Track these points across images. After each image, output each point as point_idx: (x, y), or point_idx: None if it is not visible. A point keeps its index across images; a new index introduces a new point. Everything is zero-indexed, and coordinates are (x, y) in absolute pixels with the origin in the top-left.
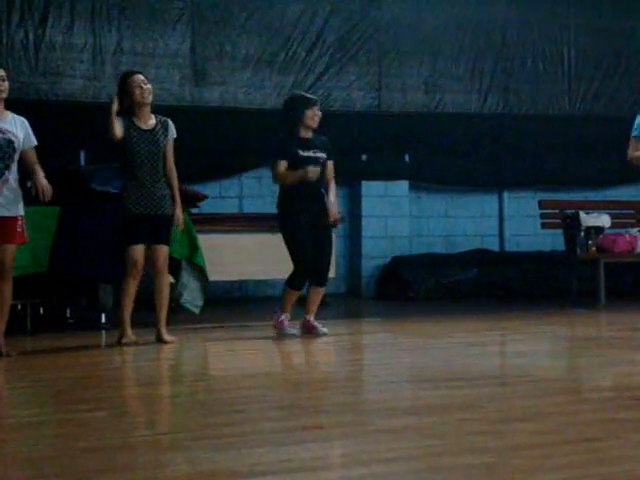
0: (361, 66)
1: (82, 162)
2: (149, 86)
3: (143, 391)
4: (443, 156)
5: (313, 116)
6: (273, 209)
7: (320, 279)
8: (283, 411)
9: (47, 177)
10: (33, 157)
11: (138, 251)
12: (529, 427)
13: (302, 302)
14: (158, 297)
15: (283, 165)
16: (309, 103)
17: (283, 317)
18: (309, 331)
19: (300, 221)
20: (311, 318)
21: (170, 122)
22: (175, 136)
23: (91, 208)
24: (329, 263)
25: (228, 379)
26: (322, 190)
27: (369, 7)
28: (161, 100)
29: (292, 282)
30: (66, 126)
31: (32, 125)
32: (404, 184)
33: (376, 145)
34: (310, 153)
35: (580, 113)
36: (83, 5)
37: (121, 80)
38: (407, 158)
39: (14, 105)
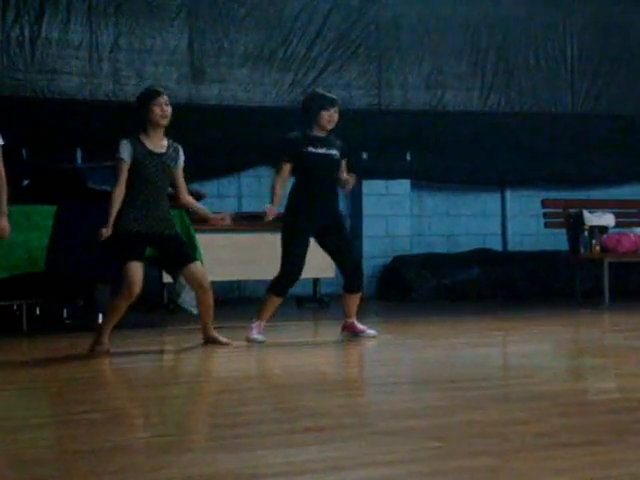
0: (361, 63)
1: (79, 160)
2: (169, 108)
3: (140, 393)
4: (445, 154)
5: (329, 118)
6: None
7: (352, 286)
8: (283, 413)
9: (43, 176)
10: None
11: (136, 269)
12: (532, 429)
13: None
14: (205, 310)
15: (286, 168)
16: (326, 104)
17: (256, 324)
18: (355, 334)
19: (304, 223)
20: (354, 321)
21: (180, 148)
22: (183, 162)
23: (88, 207)
24: (358, 266)
25: (227, 381)
26: (337, 191)
27: (369, 4)
28: None
29: (276, 287)
30: (62, 124)
31: (28, 123)
32: (405, 183)
33: (377, 143)
34: (322, 150)
35: (583, 111)
36: (79, 1)
37: (143, 96)
38: (408, 156)
39: (9, 102)
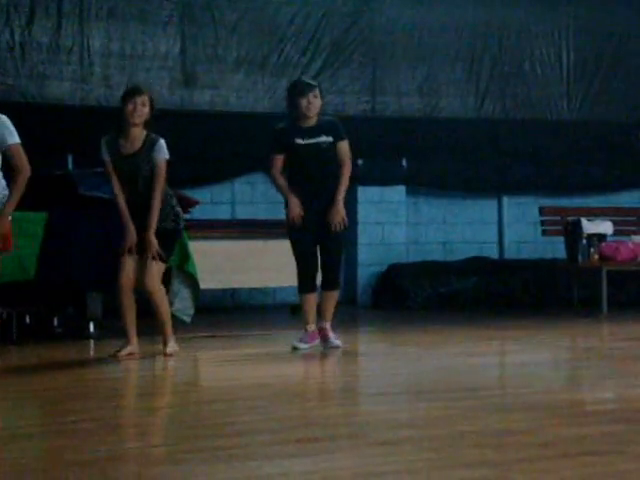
0: (355, 69)
1: (70, 167)
2: (146, 109)
3: (133, 402)
4: (441, 161)
5: (307, 105)
6: (266, 215)
7: (325, 281)
8: (277, 423)
9: (34, 182)
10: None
11: (126, 262)
12: (530, 440)
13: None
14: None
15: (279, 160)
16: (301, 92)
17: (306, 328)
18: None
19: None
20: (326, 325)
21: (160, 143)
22: (166, 157)
23: (79, 214)
24: (334, 264)
25: (220, 390)
26: (331, 184)
27: (363, 9)
28: None
29: (298, 285)
30: (53, 130)
31: (18, 129)
32: (401, 189)
33: (371, 150)
34: (311, 141)
35: (579, 117)
36: (71, 6)
37: (124, 92)
38: (404, 163)
39: None
